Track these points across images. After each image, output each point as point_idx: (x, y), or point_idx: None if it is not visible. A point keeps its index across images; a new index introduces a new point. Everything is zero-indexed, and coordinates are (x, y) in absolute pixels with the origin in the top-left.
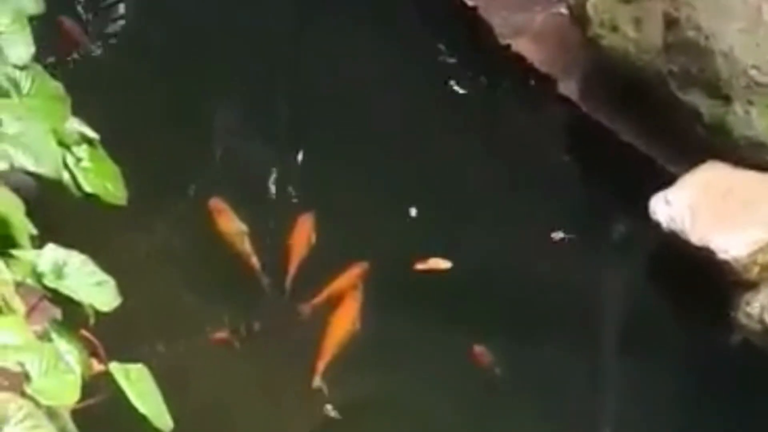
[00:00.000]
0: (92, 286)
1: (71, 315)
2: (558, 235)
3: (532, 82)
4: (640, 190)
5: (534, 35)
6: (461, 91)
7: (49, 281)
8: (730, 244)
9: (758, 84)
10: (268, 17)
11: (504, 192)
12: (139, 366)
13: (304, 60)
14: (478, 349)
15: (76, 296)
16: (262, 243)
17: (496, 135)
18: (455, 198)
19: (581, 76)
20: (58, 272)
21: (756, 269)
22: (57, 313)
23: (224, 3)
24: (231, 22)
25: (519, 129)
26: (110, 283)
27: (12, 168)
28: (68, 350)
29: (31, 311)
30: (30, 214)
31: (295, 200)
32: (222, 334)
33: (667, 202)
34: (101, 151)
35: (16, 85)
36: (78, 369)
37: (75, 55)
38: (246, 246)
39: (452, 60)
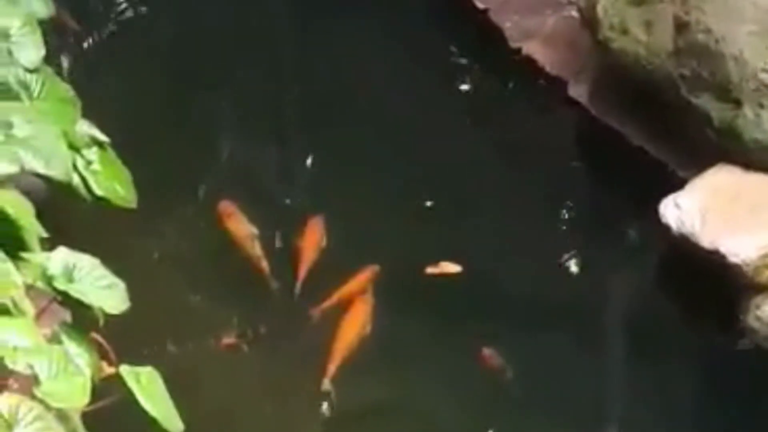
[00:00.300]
0: (102, 289)
1: (81, 318)
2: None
3: (543, 85)
4: (649, 193)
5: (544, 38)
6: (471, 94)
7: (59, 284)
8: (740, 248)
9: None
10: (276, 20)
11: (514, 195)
12: (149, 369)
13: (313, 62)
14: (487, 351)
15: (86, 299)
16: (272, 246)
17: (506, 138)
18: (465, 200)
19: (591, 79)
20: (68, 275)
21: (766, 273)
22: (67, 315)
23: (227, 3)
24: (237, 24)
25: (529, 132)
26: (120, 286)
27: (22, 171)
28: (78, 353)
29: (40, 314)
30: (40, 216)
31: (305, 202)
32: (231, 338)
33: (677, 206)
34: (111, 154)
35: (27, 88)
36: (88, 372)
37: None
38: (256, 249)
39: (462, 62)
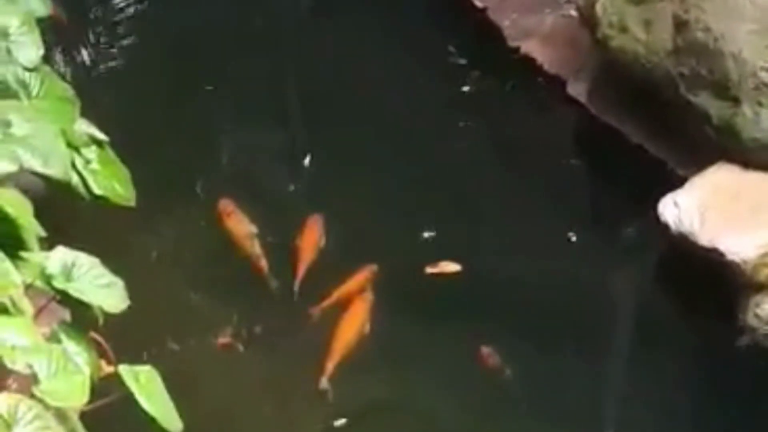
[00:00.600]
0: (101, 288)
1: (80, 317)
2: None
3: (541, 84)
4: (648, 191)
5: (543, 37)
6: (470, 93)
7: (58, 283)
8: (740, 246)
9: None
10: (275, 19)
11: (513, 193)
12: (148, 368)
13: (312, 62)
14: (486, 350)
15: (84, 298)
16: (271, 245)
17: (505, 136)
18: (464, 199)
19: (590, 78)
20: (67, 274)
21: (765, 271)
22: (66, 315)
23: (227, 1)
24: (236, 22)
25: (528, 130)
26: (119, 284)
27: (21, 169)
28: (77, 352)
29: (39, 313)
30: (39, 215)
31: (304, 202)
32: (230, 337)
33: (676, 204)
34: (110, 153)
35: (26, 87)
36: (87, 371)
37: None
38: (255, 248)
39: (461, 61)
